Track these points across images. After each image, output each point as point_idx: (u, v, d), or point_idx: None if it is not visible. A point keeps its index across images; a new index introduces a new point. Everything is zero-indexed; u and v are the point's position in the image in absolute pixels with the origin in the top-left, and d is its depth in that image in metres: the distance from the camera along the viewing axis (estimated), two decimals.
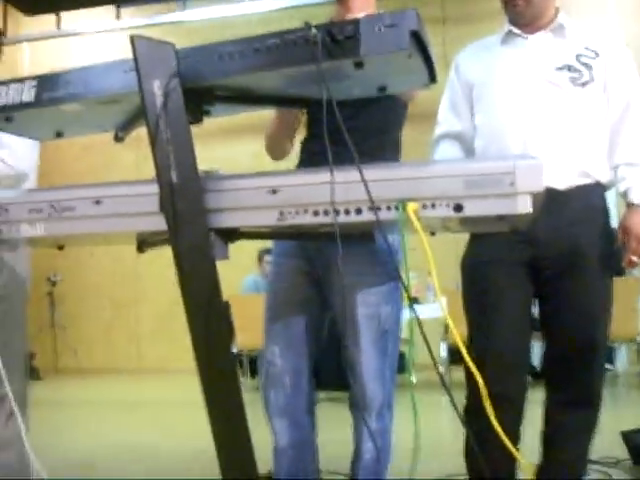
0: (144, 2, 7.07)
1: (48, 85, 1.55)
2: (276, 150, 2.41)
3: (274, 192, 1.42)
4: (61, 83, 1.54)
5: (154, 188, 1.47)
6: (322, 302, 2.26)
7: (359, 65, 1.33)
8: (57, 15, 7.24)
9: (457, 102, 2.54)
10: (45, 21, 7.36)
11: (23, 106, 1.57)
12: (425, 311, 5.48)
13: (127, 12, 7.39)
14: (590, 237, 2.33)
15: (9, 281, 2.66)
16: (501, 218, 1.41)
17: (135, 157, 7.29)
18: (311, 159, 2.25)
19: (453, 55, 2.66)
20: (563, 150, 2.34)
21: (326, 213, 1.40)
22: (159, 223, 1.47)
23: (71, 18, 7.41)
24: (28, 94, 1.57)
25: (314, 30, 1.31)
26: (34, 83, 1.57)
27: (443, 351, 6.37)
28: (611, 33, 2.53)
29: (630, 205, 2.34)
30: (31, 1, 6.73)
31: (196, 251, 1.44)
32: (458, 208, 1.36)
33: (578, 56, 2.40)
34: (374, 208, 1.33)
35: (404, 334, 5.26)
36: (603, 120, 2.41)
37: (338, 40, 1.31)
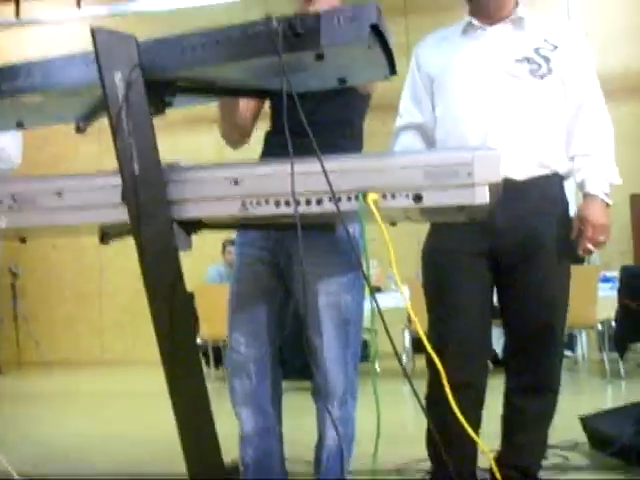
0: None
1: (8, 76, 1.55)
2: (228, 139, 2.40)
3: (236, 183, 1.43)
4: (21, 74, 1.54)
5: (116, 180, 1.47)
6: (285, 291, 2.28)
7: (320, 57, 1.34)
8: (16, 4, 7.13)
9: (418, 93, 2.56)
10: (3, 9, 7.26)
11: None
12: (387, 300, 5.51)
13: (88, 1, 7.31)
14: (548, 227, 2.37)
15: None
16: (460, 209, 1.43)
17: (97, 148, 7.23)
18: (274, 151, 2.25)
19: (415, 44, 2.68)
20: (522, 141, 2.37)
21: (287, 204, 1.42)
22: (121, 214, 1.48)
23: (30, 7, 7.32)
24: None
25: (275, 22, 1.32)
26: None
27: (406, 340, 6.43)
28: (570, 26, 2.56)
29: (586, 195, 2.39)
30: None
31: (159, 242, 1.45)
32: (417, 198, 1.38)
33: (537, 49, 2.43)
34: (334, 198, 1.35)
35: (367, 323, 5.28)
36: (561, 112, 2.45)
37: (299, 33, 1.32)
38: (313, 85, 1.51)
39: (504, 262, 2.39)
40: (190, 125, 6.82)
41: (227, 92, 1.58)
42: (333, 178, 1.35)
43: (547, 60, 2.41)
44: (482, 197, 1.37)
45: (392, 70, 1.47)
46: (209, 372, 6.45)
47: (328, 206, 1.40)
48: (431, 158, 1.39)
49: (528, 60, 2.42)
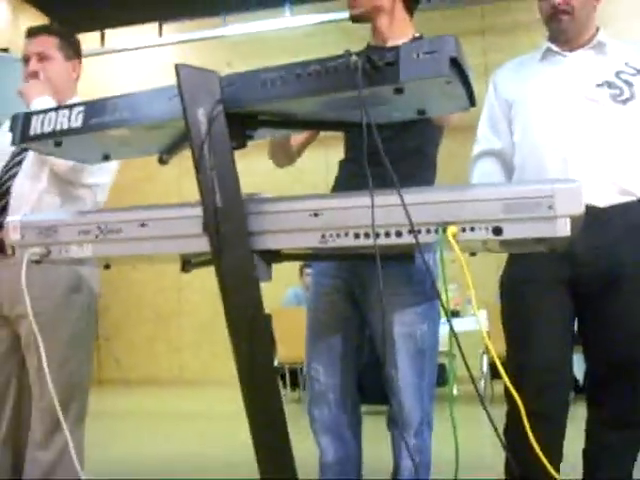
0: (186, 18, 7.14)
1: (95, 111, 1.60)
2: (275, 162, 2.46)
3: (316, 215, 1.44)
4: (108, 109, 1.58)
5: (198, 210, 1.50)
6: (361, 320, 2.29)
7: (399, 91, 1.35)
8: (102, 32, 7.36)
9: (496, 120, 2.54)
10: (89, 38, 7.50)
11: (71, 131, 1.62)
12: (465, 324, 5.47)
13: (169, 28, 7.50)
14: (631, 255, 2.31)
15: (90, 299, 2.78)
16: (540, 240, 1.42)
17: (177, 172, 7.38)
18: (349, 181, 2.28)
19: (493, 65, 2.66)
20: (603, 167, 2.32)
21: (367, 236, 1.42)
22: (203, 245, 1.51)
23: (115, 34, 7.55)
24: (76, 120, 1.62)
25: (354, 57, 1.33)
26: (82, 109, 1.62)
27: (484, 365, 6.34)
28: None
29: None
30: (76, 20, 6.86)
31: (240, 273, 1.47)
32: (497, 231, 1.37)
33: (618, 73, 2.39)
34: (414, 231, 1.35)
35: (445, 347, 5.24)
36: None
37: (378, 66, 1.33)
38: (392, 117, 1.52)
39: (585, 291, 2.34)
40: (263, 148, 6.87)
41: (306, 125, 1.60)
42: (412, 210, 1.35)
43: (629, 84, 2.37)
44: (563, 230, 1.35)
45: (472, 102, 1.47)
46: (285, 394, 6.49)
47: (407, 238, 1.40)
48: (511, 190, 1.38)
49: (609, 84, 2.38)
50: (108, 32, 7.42)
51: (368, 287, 2.20)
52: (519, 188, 1.39)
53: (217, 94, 1.43)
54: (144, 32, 7.43)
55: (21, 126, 1.71)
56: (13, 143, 1.73)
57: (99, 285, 2.88)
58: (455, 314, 5.56)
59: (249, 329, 1.51)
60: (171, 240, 1.58)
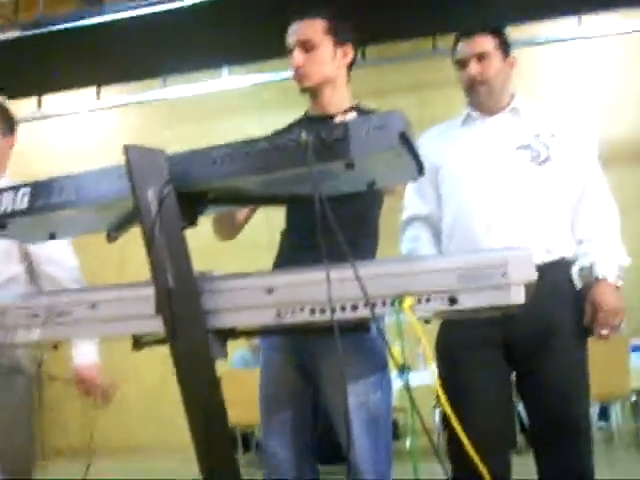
0: (125, 81, 7.13)
1: (41, 192, 1.57)
2: (219, 235, 2.42)
3: (270, 291, 1.43)
4: (54, 190, 1.55)
5: (149, 290, 1.48)
6: (313, 391, 2.27)
7: (350, 166, 1.35)
8: (38, 97, 7.30)
9: (422, 185, 2.57)
10: (25, 103, 7.42)
11: (17, 214, 1.59)
12: (417, 378, 5.45)
13: (108, 90, 7.47)
14: (560, 314, 2.36)
15: (29, 378, 2.71)
16: (495, 308, 1.42)
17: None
18: (291, 252, 2.30)
19: (429, 119, 2.73)
20: (527, 228, 2.40)
21: (322, 311, 1.41)
22: (156, 325, 1.48)
23: (51, 99, 7.48)
24: (21, 202, 1.59)
25: (304, 135, 1.34)
26: (27, 190, 1.59)
27: (436, 418, 6.33)
28: (568, 112, 2.62)
29: (596, 279, 2.38)
30: (13, 86, 6.79)
31: (195, 352, 1.44)
32: (452, 301, 1.37)
33: (536, 136, 2.49)
34: (370, 305, 1.35)
35: (397, 402, 5.19)
36: (564, 197, 2.49)
37: (328, 143, 1.34)
38: (342, 189, 1.52)
39: (518, 352, 2.39)
40: None
41: (256, 201, 1.59)
42: (368, 283, 1.34)
43: (547, 147, 2.46)
44: (518, 297, 1.36)
45: (420, 171, 1.48)
46: (238, 457, 6.37)
47: (363, 312, 1.39)
48: (464, 260, 1.39)
49: (528, 147, 2.47)
50: (45, 96, 7.36)
51: (319, 358, 2.19)
52: (472, 257, 1.40)
53: (166, 174, 1.42)
54: (82, 95, 7.39)
55: None
56: None
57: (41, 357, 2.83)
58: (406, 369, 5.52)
59: (206, 407, 1.48)
60: (123, 321, 1.55)
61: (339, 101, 2.34)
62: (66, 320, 1.58)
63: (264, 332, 1.70)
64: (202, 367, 1.46)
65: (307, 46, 2.31)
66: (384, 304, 1.39)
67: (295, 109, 2.53)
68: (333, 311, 1.39)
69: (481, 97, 2.52)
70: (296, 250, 2.23)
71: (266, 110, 7.29)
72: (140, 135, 7.12)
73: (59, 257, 2.72)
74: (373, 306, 1.37)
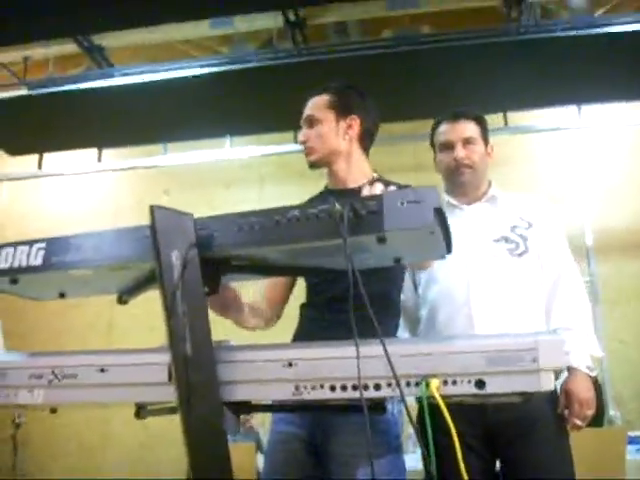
0: (126, 145, 7.15)
1: (57, 249, 1.52)
2: (247, 327, 2.30)
3: (290, 365, 1.38)
4: (71, 248, 1.51)
5: (162, 357, 1.42)
6: (322, 470, 2.19)
7: (382, 240, 1.32)
8: (40, 155, 7.30)
9: None
10: (26, 160, 7.42)
11: (30, 270, 1.53)
12: (407, 461, 5.32)
13: (108, 154, 7.48)
14: (538, 403, 2.32)
15: None
16: (522, 393, 1.37)
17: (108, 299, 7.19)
18: (308, 325, 2.27)
19: None
20: (504, 318, 2.41)
21: (343, 388, 1.36)
22: (166, 394, 1.42)
23: (52, 158, 7.48)
24: (35, 258, 1.54)
25: (338, 206, 1.30)
26: (42, 246, 1.54)
27: None
28: (541, 202, 2.67)
29: (570, 369, 2.38)
30: (16, 143, 6.81)
31: (207, 424, 1.38)
32: (480, 384, 1.32)
33: (513, 227, 2.55)
34: (398, 385, 1.29)
35: None
36: (539, 287, 2.52)
37: (361, 215, 1.31)
38: (369, 264, 1.48)
39: (500, 439, 2.37)
40: None
41: (281, 271, 1.55)
42: (394, 362, 1.29)
43: (524, 238, 2.54)
44: (548, 383, 1.31)
45: (449, 250, 1.45)
46: None
47: (386, 391, 1.34)
48: (494, 343, 1.34)
49: (506, 240, 2.54)
50: (46, 155, 7.36)
51: (330, 436, 2.12)
52: (502, 340, 1.35)
53: (192, 237, 1.37)
54: (83, 156, 7.40)
55: None
56: None
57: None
58: None
59: None
60: (131, 388, 1.49)
61: (357, 174, 2.34)
62: (72, 383, 1.52)
63: (280, 408, 1.63)
64: (214, 440, 1.40)
65: (311, 121, 2.35)
66: (408, 384, 1.34)
67: (293, 183, 2.55)
68: (354, 388, 1.34)
69: (465, 179, 2.57)
70: (311, 323, 2.20)
71: (266, 182, 7.31)
72: (139, 200, 7.11)
73: None
74: (399, 386, 1.31)
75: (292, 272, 1.60)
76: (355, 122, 2.38)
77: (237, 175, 7.21)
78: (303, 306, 2.36)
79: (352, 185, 2.29)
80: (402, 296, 2.53)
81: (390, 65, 5.66)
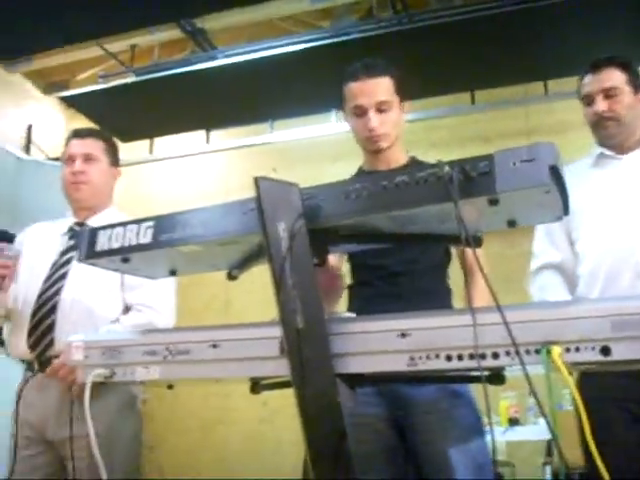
0: (233, 125, 7.23)
1: (165, 226, 1.53)
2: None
3: (404, 335, 1.34)
4: (179, 225, 1.51)
5: (273, 331, 1.41)
6: (405, 446, 2.17)
7: (494, 202, 1.26)
8: (150, 140, 7.47)
9: (553, 232, 2.47)
10: (137, 146, 7.60)
11: (140, 247, 1.55)
12: (526, 433, 5.22)
13: (215, 134, 7.58)
14: None
15: (139, 415, 2.73)
16: None
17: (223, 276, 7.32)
18: (368, 304, 2.26)
19: None
20: None
21: (459, 358, 1.31)
22: (279, 368, 1.41)
23: (162, 142, 7.65)
24: (145, 235, 1.55)
25: (447, 167, 1.25)
26: (151, 224, 1.55)
27: (547, 476, 6.02)
28: None
29: None
30: (127, 129, 6.98)
31: (322, 397, 1.36)
32: (605, 351, 1.25)
33: None
34: (517, 353, 1.23)
35: (503, 456, 4.95)
36: None
37: (472, 177, 1.25)
38: (481, 227, 1.42)
39: None
40: None
41: (389, 238, 1.50)
42: (513, 330, 1.24)
43: None
44: None
45: (566, 211, 1.37)
46: None
47: (505, 360, 1.28)
48: (619, 307, 1.26)
49: None
50: (156, 140, 7.53)
51: (411, 409, 2.10)
52: (629, 303, 1.27)
53: (299, 208, 1.35)
54: (191, 139, 7.52)
55: (87, 242, 1.64)
56: (79, 260, 1.66)
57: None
58: (514, 422, 5.32)
59: (332, 456, 1.39)
60: (244, 362, 1.48)
61: (400, 156, 2.39)
62: (186, 359, 1.53)
63: (393, 378, 1.60)
64: (329, 413, 1.37)
65: (382, 107, 2.29)
66: (528, 352, 1.28)
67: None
68: (471, 357, 1.29)
69: (610, 132, 2.42)
70: (371, 301, 2.18)
71: None
72: (248, 178, 7.16)
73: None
74: (518, 354, 1.25)
75: (401, 239, 1.55)
76: (402, 106, 2.42)
77: (344, 149, 7.11)
78: (352, 287, 2.37)
79: (393, 166, 2.33)
80: (559, 257, 2.46)
81: (498, 27, 5.46)
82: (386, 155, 2.37)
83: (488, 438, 2.20)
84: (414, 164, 2.36)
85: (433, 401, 2.09)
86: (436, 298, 2.14)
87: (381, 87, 2.33)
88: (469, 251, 2.31)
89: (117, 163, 3.00)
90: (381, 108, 2.30)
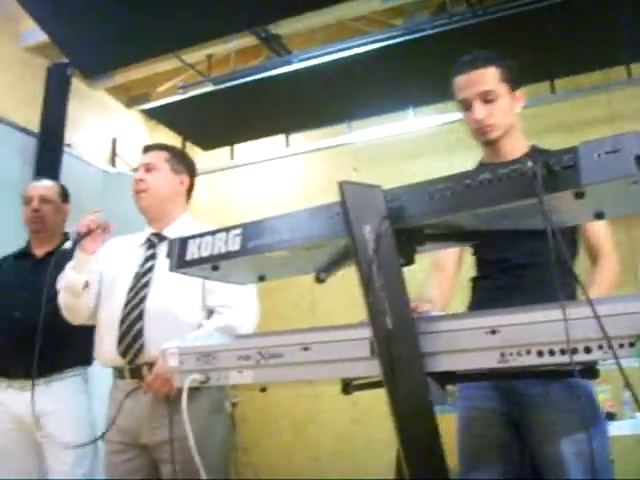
0: (312, 128, 7.27)
1: (253, 233, 1.57)
2: None
3: (493, 332, 1.34)
4: (266, 231, 1.55)
5: (362, 332, 1.43)
6: (520, 443, 2.14)
7: (580, 195, 1.25)
8: (231, 147, 7.58)
9: None
10: (218, 153, 7.72)
11: (229, 255, 1.59)
12: (622, 427, 5.10)
13: (295, 138, 7.65)
14: None
15: (228, 416, 2.80)
16: None
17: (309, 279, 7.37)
18: (483, 296, 2.27)
19: None
20: None
21: (551, 353, 1.30)
22: (370, 368, 1.43)
23: (243, 148, 7.75)
24: (233, 243, 1.59)
25: (530, 163, 1.25)
26: (239, 232, 1.59)
27: None
28: None
29: None
30: (207, 138, 7.11)
31: (413, 396, 1.37)
32: None
33: None
34: (610, 347, 1.22)
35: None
36: None
37: (556, 171, 1.24)
38: (568, 221, 1.41)
39: None
40: None
41: (476, 236, 1.51)
42: (606, 323, 1.22)
43: None
44: None
45: None
46: None
47: (598, 354, 1.27)
48: None
49: None
50: (236, 146, 7.64)
51: (527, 406, 2.07)
52: None
53: (383, 210, 1.36)
54: (270, 144, 7.60)
55: (178, 251, 1.69)
56: (170, 269, 1.71)
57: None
58: (610, 417, 5.20)
59: (425, 455, 1.40)
60: (335, 364, 1.50)
61: (518, 147, 2.34)
62: (278, 362, 1.56)
63: (483, 376, 1.60)
64: (421, 412, 1.39)
65: (488, 97, 2.27)
66: (621, 346, 1.26)
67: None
68: (562, 352, 1.29)
69: None
70: (491, 294, 2.16)
71: (454, 150, 7.18)
72: (329, 180, 7.20)
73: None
74: (611, 348, 1.24)
75: (487, 236, 1.55)
76: (521, 96, 2.40)
77: (424, 146, 7.14)
78: (476, 279, 2.35)
79: (511, 157, 2.25)
80: None
81: (574, 12, 5.35)
82: (501, 146, 2.35)
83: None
84: (535, 153, 2.31)
85: (549, 395, 2.05)
86: (562, 291, 2.07)
87: (485, 77, 2.32)
88: (594, 237, 2.30)
89: (184, 171, 3.07)
90: (486, 98, 2.29)
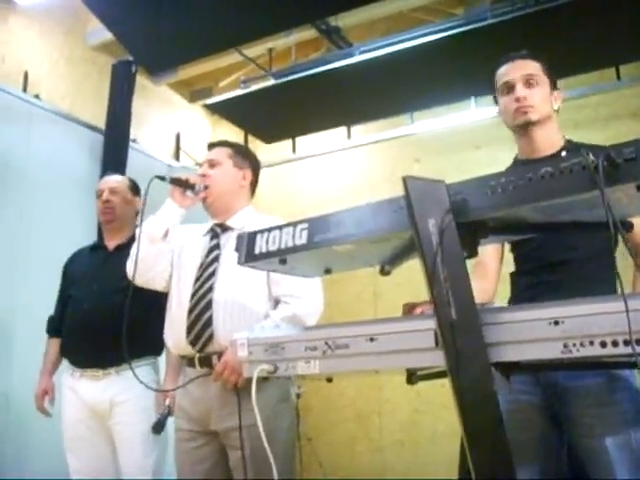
0: (373, 119, 7.28)
1: (319, 227, 1.61)
2: None
3: (556, 323, 1.36)
4: (332, 225, 1.59)
5: (428, 323, 1.46)
6: (559, 437, 2.14)
7: None
8: (293, 140, 7.64)
9: None
10: (281, 146, 7.79)
11: (296, 249, 1.64)
12: None
13: (357, 130, 7.66)
14: None
15: (293, 406, 2.87)
16: None
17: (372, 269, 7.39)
18: (522, 294, 2.28)
19: None
20: None
21: (614, 344, 1.31)
22: (434, 359, 1.46)
23: (304, 140, 7.80)
24: (300, 237, 1.64)
25: (592, 156, 1.26)
26: (305, 226, 1.64)
27: None
28: None
29: None
30: (269, 131, 7.18)
31: (477, 386, 1.40)
32: None
33: None
34: None
35: None
36: None
37: (618, 164, 1.26)
38: (629, 214, 1.42)
39: None
40: None
41: (538, 229, 1.53)
42: None
43: None
44: None
45: None
46: None
47: None
48: None
49: None
50: (298, 139, 7.69)
51: (567, 399, 2.07)
52: None
53: (446, 204, 1.40)
54: (332, 136, 7.64)
55: (246, 245, 1.75)
56: (239, 262, 1.77)
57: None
58: None
59: (490, 445, 1.43)
60: (400, 354, 1.54)
61: (554, 139, 2.36)
62: (344, 353, 1.60)
63: (547, 366, 1.62)
64: (485, 402, 1.41)
65: (531, 81, 2.32)
66: None
67: None
68: (625, 343, 1.30)
69: None
70: (526, 291, 2.18)
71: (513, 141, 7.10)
72: (391, 171, 7.22)
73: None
74: None
75: (549, 229, 1.57)
76: (560, 96, 2.43)
77: (486, 135, 7.08)
78: (514, 275, 2.38)
79: (549, 152, 2.31)
80: None
81: None
82: (538, 136, 2.36)
83: None
84: (571, 148, 2.34)
85: (590, 388, 2.06)
86: (599, 286, 2.07)
87: (529, 65, 2.39)
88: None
89: (247, 166, 3.14)
90: (530, 81, 2.35)
